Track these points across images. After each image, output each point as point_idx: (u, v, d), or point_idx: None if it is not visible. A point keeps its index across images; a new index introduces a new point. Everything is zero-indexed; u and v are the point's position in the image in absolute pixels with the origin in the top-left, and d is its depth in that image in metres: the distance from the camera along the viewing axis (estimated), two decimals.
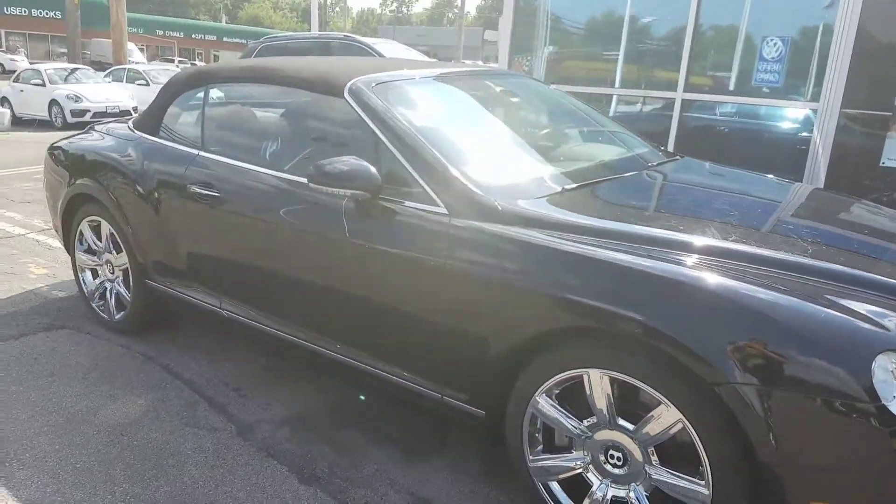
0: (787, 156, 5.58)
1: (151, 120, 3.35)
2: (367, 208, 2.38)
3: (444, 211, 2.25)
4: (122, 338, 3.52)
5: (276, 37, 9.79)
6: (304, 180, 2.45)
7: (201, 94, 3.16)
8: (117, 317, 3.54)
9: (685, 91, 5.86)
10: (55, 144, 3.87)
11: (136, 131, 3.40)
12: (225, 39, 47.29)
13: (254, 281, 2.78)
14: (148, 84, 16.51)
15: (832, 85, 5.69)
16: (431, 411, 2.41)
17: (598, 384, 1.96)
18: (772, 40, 5.69)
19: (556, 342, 2.02)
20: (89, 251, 3.62)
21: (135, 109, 14.40)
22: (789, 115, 5.71)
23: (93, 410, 2.83)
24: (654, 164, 2.96)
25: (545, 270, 2.00)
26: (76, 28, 23.91)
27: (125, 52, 20.73)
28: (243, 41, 45.74)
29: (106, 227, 3.42)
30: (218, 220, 2.86)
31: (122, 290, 3.48)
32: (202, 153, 3.02)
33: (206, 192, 2.87)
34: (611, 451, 2.02)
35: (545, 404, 2.08)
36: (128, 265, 3.36)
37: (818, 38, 5.49)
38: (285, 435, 2.68)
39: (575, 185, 2.48)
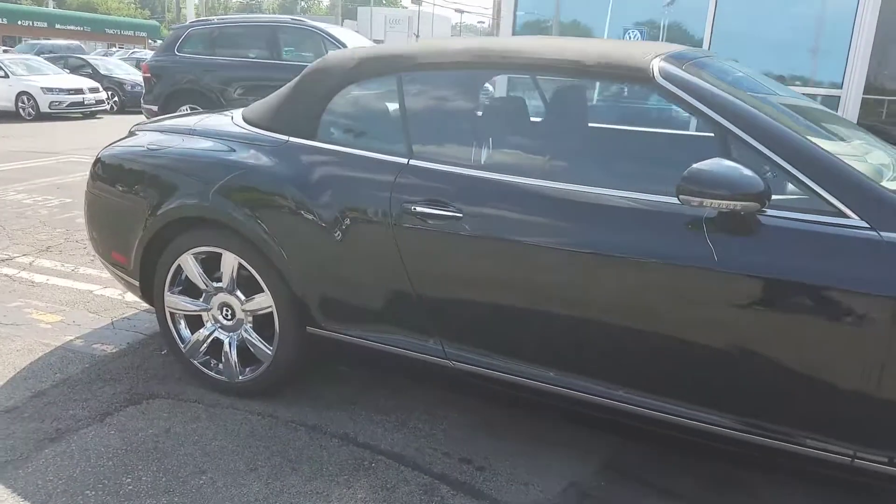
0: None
1: (299, 117, 2.55)
2: (748, 224, 1.83)
3: (865, 224, 1.76)
4: (252, 403, 2.68)
5: (206, 21, 8.58)
6: (626, 194, 1.93)
7: (392, 85, 2.41)
8: (243, 377, 2.69)
9: None
10: (107, 155, 2.92)
11: (270, 132, 2.58)
12: (58, 26, 42.69)
13: (517, 321, 2.14)
14: (7, 76, 14.23)
15: (854, 70, 5.76)
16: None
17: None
18: (633, 32, 6.22)
19: None
20: (189, 292, 2.75)
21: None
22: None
23: None
24: None
25: None
26: None
27: None
28: (80, 28, 41.70)
29: (231, 261, 2.57)
30: (457, 246, 2.17)
31: (257, 340, 2.64)
32: (413, 161, 2.29)
33: (439, 212, 2.17)
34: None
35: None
36: (272, 309, 2.54)
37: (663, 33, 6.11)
38: None
39: None
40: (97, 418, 2.58)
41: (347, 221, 2.32)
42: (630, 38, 6.08)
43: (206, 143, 2.70)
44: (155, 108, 8.15)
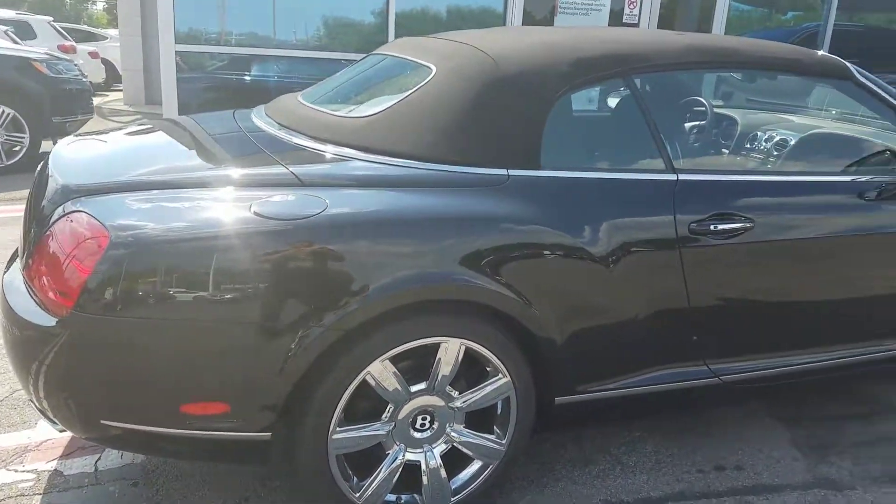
0: None
1: (510, 142, 1.93)
2: None
3: None
4: None
5: None
6: None
7: (623, 90, 2.02)
8: (459, 496, 2.00)
9: None
10: (196, 248, 1.67)
11: (468, 167, 1.90)
12: None
13: (789, 318, 2.25)
14: None
15: None
16: None
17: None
18: None
19: None
20: (366, 417, 1.86)
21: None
22: None
23: None
24: None
25: None
26: None
27: None
28: None
29: (454, 349, 1.85)
30: (747, 256, 2.11)
31: (479, 439, 1.97)
32: (682, 176, 2.05)
33: (730, 227, 2.06)
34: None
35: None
36: (510, 392, 1.95)
37: None
38: None
39: None
40: None
41: (623, 254, 1.97)
42: None
43: (385, 197, 1.83)
44: None
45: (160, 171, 1.98)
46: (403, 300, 1.75)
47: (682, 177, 2.08)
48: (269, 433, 1.77)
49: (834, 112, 3.20)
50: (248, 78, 6.82)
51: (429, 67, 2.19)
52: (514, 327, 1.90)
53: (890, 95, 2.43)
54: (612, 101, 2.30)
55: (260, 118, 2.44)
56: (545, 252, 1.89)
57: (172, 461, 2.20)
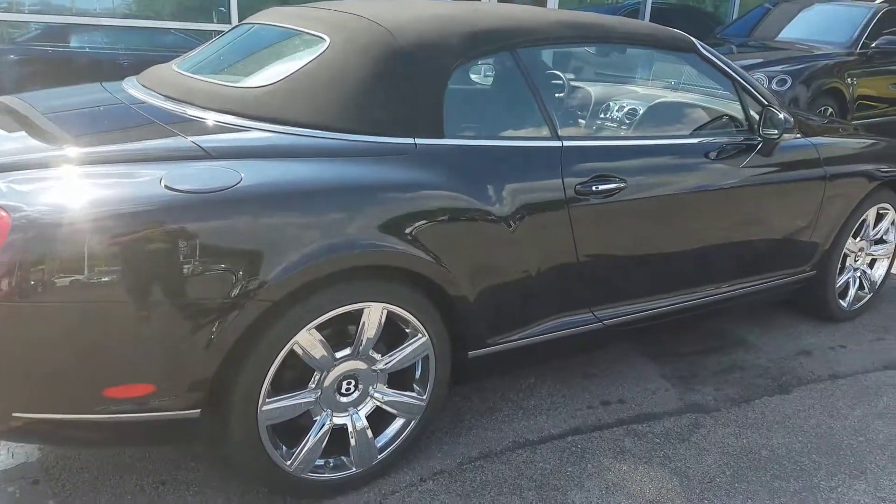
0: None
1: (413, 113, 1.99)
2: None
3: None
4: (403, 475, 2.11)
5: None
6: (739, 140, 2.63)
7: (510, 63, 2.14)
8: (384, 453, 2.08)
9: None
10: (106, 222, 1.58)
11: (374, 136, 1.95)
12: None
13: (662, 263, 2.52)
14: None
15: None
16: None
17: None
18: None
19: None
20: (298, 384, 1.88)
21: None
22: None
23: None
24: None
25: None
26: None
27: None
28: None
29: (377, 313, 1.91)
30: (622, 212, 2.34)
31: (401, 397, 2.06)
32: (567, 143, 2.23)
33: (608, 187, 2.28)
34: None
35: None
36: (429, 350, 2.05)
37: None
38: None
39: None
40: None
41: (522, 215, 2.12)
42: None
43: (299, 168, 1.83)
44: None
45: (46, 148, 1.85)
46: (326, 269, 1.78)
47: (566, 143, 2.26)
48: (198, 410, 1.75)
49: (666, 83, 3.56)
50: (68, 49, 6.27)
51: (321, 37, 2.20)
52: (430, 288, 2.00)
53: (727, 66, 2.77)
54: (502, 74, 2.44)
55: (138, 90, 2.32)
56: (454, 216, 2.00)
57: (73, 453, 2.09)
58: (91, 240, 1.57)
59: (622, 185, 2.31)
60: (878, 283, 3.45)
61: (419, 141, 2.01)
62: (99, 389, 1.65)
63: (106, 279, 1.59)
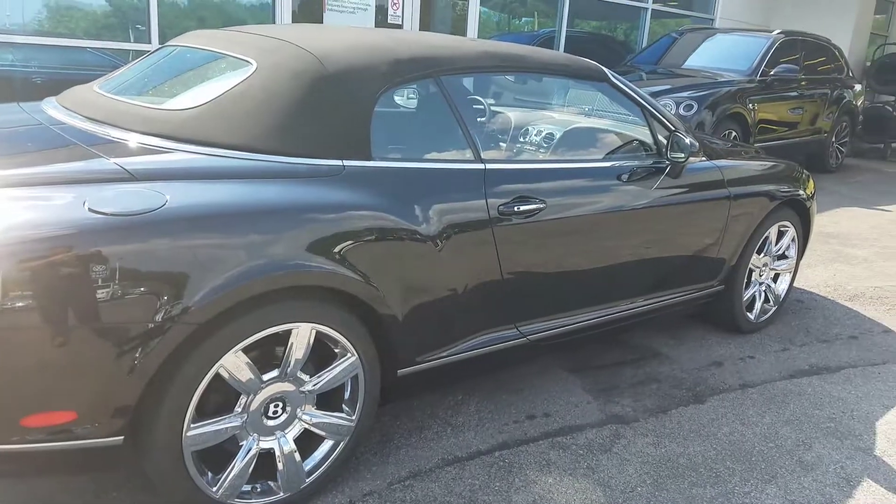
0: None
1: (342, 135, 2.02)
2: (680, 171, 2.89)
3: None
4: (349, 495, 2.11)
5: None
6: (647, 164, 2.77)
7: (434, 89, 2.19)
8: (312, 476, 2.07)
9: None
10: (24, 250, 1.53)
11: (304, 158, 1.97)
12: None
13: (578, 279, 2.63)
14: None
15: None
16: None
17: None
18: None
19: None
20: (224, 409, 1.86)
21: None
22: None
23: None
24: None
25: None
26: None
27: None
28: None
29: (305, 334, 1.92)
30: (542, 231, 2.43)
31: (330, 418, 2.06)
32: (490, 166, 2.30)
33: (529, 208, 2.36)
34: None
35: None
36: (358, 370, 2.07)
37: None
38: None
39: None
40: None
41: (448, 235, 2.17)
42: None
43: (226, 190, 1.83)
44: None
45: None
46: (253, 290, 1.78)
47: (489, 166, 2.34)
48: (121, 437, 1.71)
49: (580, 108, 3.73)
50: None
51: (248, 61, 2.21)
52: (359, 308, 2.02)
53: (636, 94, 2.93)
54: (426, 99, 2.50)
55: (58, 110, 2.27)
56: (382, 236, 2.03)
57: None
58: (8, 264, 1.52)
59: (542, 205, 2.40)
60: (782, 296, 3.68)
61: (347, 163, 2.04)
62: (16, 419, 1.59)
63: (23, 304, 1.54)
